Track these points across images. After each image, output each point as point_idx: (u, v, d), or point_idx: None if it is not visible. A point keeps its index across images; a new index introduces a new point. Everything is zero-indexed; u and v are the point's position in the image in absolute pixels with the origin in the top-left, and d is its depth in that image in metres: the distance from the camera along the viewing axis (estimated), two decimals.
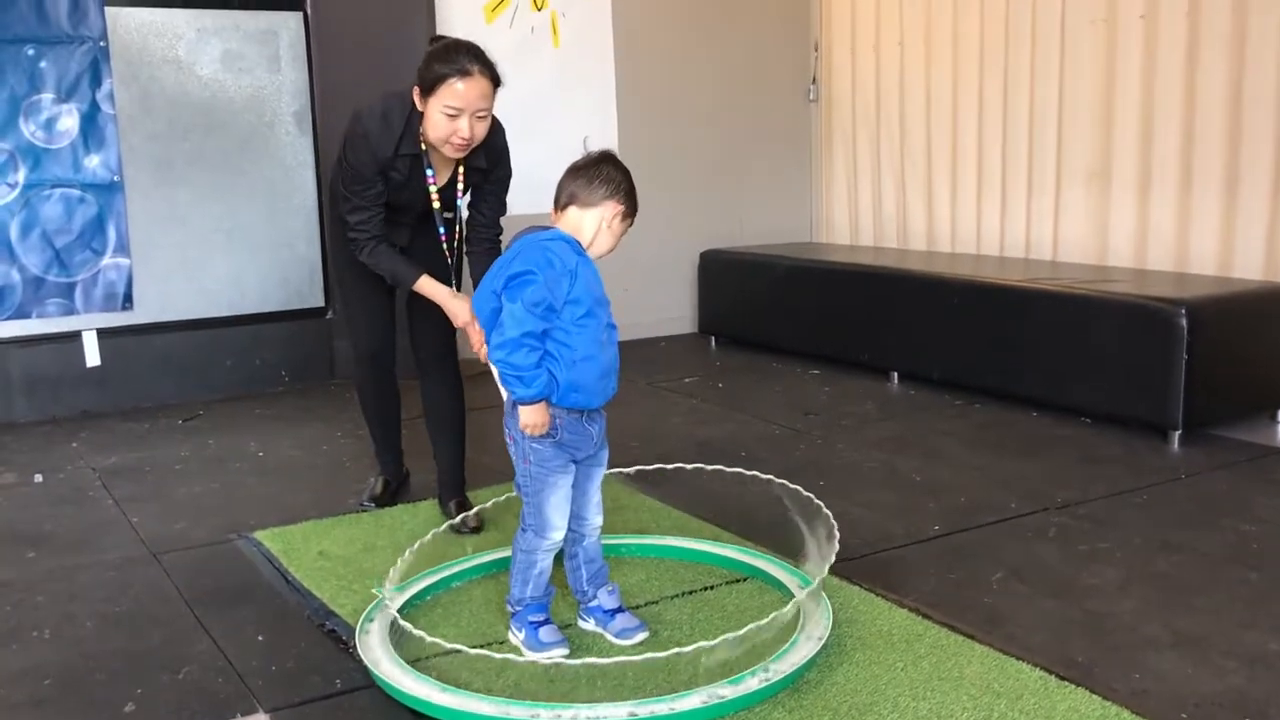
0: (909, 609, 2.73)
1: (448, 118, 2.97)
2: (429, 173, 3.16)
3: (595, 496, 2.64)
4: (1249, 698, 2.31)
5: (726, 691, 2.28)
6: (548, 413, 2.46)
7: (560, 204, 2.51)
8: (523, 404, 2.44)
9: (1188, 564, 3.02)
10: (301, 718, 2.35)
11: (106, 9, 4.90)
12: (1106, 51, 5.16)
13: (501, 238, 3.35)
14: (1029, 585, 2.90)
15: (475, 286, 3.24)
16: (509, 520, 3.38)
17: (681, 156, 6.44)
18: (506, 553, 2.92)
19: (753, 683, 2.31)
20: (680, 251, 6.51)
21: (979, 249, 5.90)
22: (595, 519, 2.64)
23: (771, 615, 2.43)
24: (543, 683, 2.41)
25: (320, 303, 5.56)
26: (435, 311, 3.39)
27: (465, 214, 3.37)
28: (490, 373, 2.61)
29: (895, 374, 5.27)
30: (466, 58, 2.97)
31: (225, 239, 5.32)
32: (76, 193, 4.93)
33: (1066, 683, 2.35)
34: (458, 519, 3.36)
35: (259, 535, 3.39)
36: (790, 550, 2.99)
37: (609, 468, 2.69)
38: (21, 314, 4.91)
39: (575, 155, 2.58)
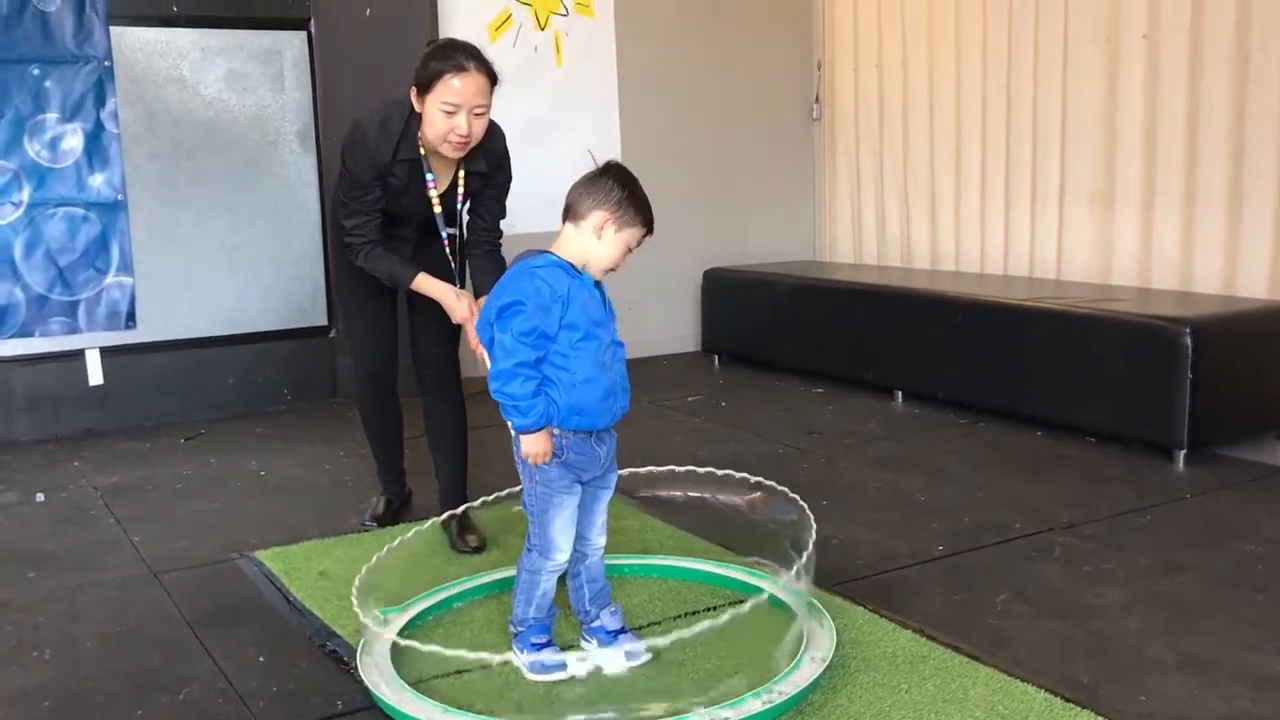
0: (913, 630, 2.71)
1: (445, 115, 2.97)
2: (429, 178, 3.15)
3: (600, 518, 2.62)
4: None
5: (729, 714, 2.27)
6: (549, 442, 2.44)
7: (563, 220, 2.51)
8: (522, 433, 2.43)
9: (1193, 585, 3.01)
10: None
11: (111, 28, 4.92)
12: (1109, 70, 5.16)
13: (501, 241, 3.35)
14: (1034, 606, 2.89)
15: (474, 289, 3.25)
16: (511, 540, 3.38)
17: (685, 175, 6.44)
18: (509, 573, 2.92)
19: (755, 705, 2.29)
20: (683, 270, 6.51)
21: (983, 268, 5.89)
22: (599, 540, 2.63)
23: (750, 602, 2.39)
24: (544, 704, 2.40)
25: (323, 321, 5.56)
26: (438, 330, 3.40)
27: (466, 219, 3.36)
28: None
29: (899, 393, 5.26)
30: (463, 55, 2.98)
31: (228, 258, 5.32)
32: (80, 211, 4.94)
33: (1072, 705, 2.33)
34: (458, 539, 3.36)
35: (260, 555, 3.38)
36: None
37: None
38: (25, 332, 4.91)
39: (578, 173, 2.54)
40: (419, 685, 2.45)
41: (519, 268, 2.45)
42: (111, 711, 2.47)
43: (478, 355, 2.81)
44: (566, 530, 2.53)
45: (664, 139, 6.35)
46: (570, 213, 2.47)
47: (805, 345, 5.76)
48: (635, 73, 6.25)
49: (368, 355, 3.47)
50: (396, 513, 3.68)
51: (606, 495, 2.62)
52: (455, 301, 3.14)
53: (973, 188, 5.92)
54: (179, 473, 4.37)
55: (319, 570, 3.22)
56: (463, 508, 3.28)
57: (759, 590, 2.90)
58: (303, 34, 5.36)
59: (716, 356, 6.40)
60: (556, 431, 2.46)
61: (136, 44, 5.05)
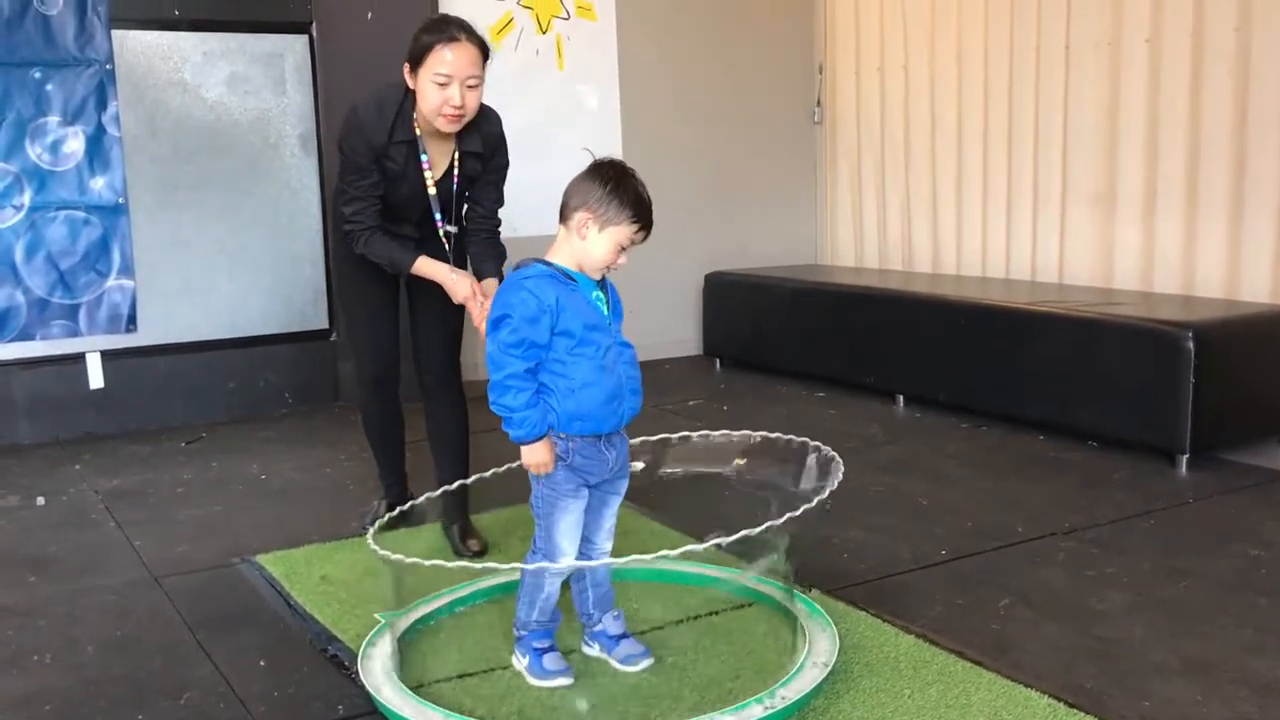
0: (916, 635, 2.71)
1: (438, 86, 2.97)
2: (423, 158, 3.14)
3: (608, 523, 2.61)
4: None
5: None
6: (548, 453, 2.43)
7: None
8: (520, 444, 2.43)
9: (1196, 589, 3.00)
10: None
11: (113, 32, 4.92)
12: (1111, 74, 5.16)
13: (500, 229, 3.34)
14: (1037, 611, 2.88)
15: (476, 275, 3.23)
16: (513, 544, 3.37)
17: (686, 178, 6.44)
18: (510, 577, 2.91)
19: (757, 710, 2.29)
20: (685, 273, 6.51)
21: (984, 271, 5.89)
22: (605, 544, 2.62)
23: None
24: (546, 709, 2.40)
25: (324, 325, 5.55)
26: (440, 333, 3.39)
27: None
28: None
29: (901, 397, 5.26)
30: (454, 27, 2.99)
31: (229, 261, 5.32)
32: (81, 215, 4.93)
33: (1075, 710, 2.32)
34: (460, 543, 3.36)
35: (261, 559, 3.37)
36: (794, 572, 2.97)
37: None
38: (25, 336, 4.90)
39: None
40: (420, 690, 2.44)
41: (510, 279, 2.45)
42: (112, 716, 2.46)
43: (483, 336, 2.84)
44: (571, 534, 2.52)
45: (666, 142, 6.35)
46: (560, 214, 2.46)
47: (807, 349, 5.75)
48: (637, 76, 6.25)
49: (369, 359, 3.46)
50: (399, 517, 3.66)
51: (616, 500, 2.61)
52: (455, 281, 3.12)
53: (974, 191, 5.92)
54: (180, 476, 4.37)
55: (320, 575, 3.22)
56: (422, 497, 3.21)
57: (762, 596, 2.91)
58: (304, 37, 5.36)
59: (718, 360, 6.40)
60: (563, 437, 2.45)
61: (138, 47, 5.05)
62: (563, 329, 2.39)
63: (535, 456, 2.43)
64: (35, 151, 4.82)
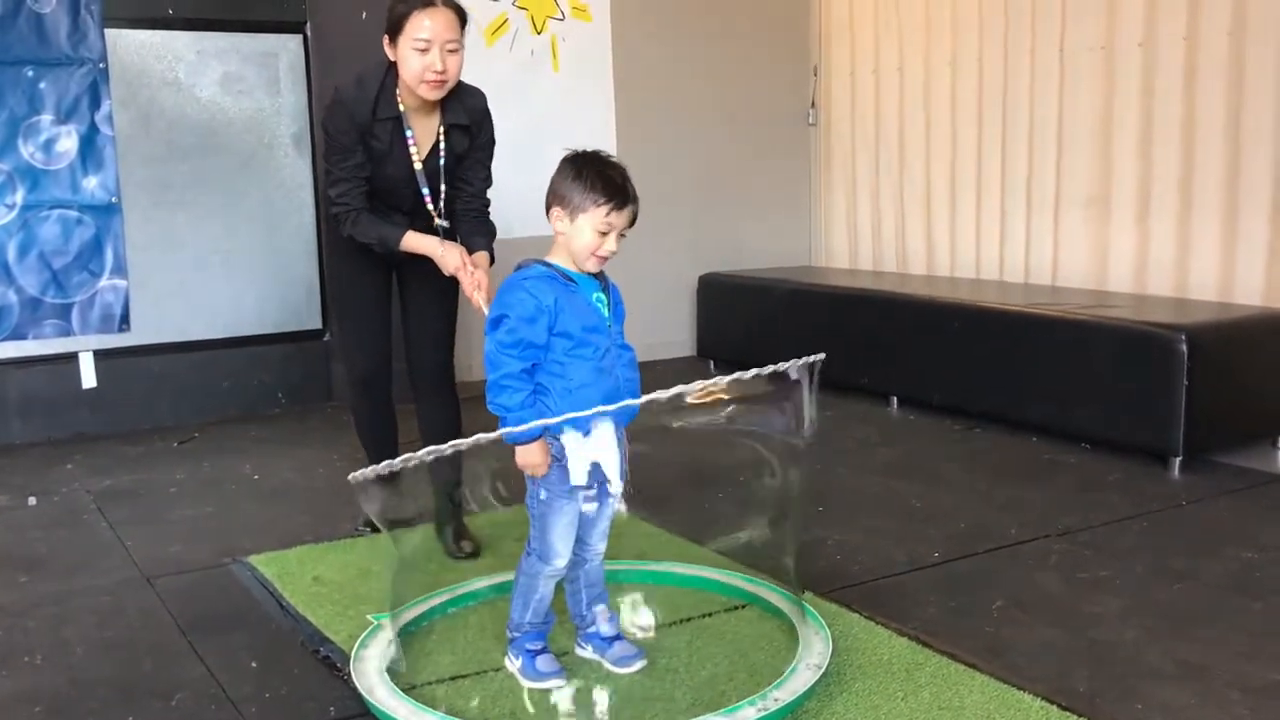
0: (909, 637, 2.70)
1: (419, 53, 2.98)
2: (408, 133, 3.13)
3: (603, 524, 2.60)
4: None
5: None
6: (542, 454, 2.41)
7: None
8: (514, 444, 2.42)
9: (1190, 593, 3.00)
10: None
11: (106, 31, 4.90)
12: (1105, 78, 5.17)
13: (489, 209, 3.33)
14: (1030, 613, 2.88)
15: (467, 250, 3.22)
16: (505, 545, 3.36)
17: (681, 179, 6.43)
18: (503, 578, 2.90)
19: (751, 712, 2.28)
20: (679, 274, 6.50)
21: (978, 273, 5.89)
22: (599, 545, 2.61)
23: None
24: (539, 711, 2.39)
25: (318, 325, 5.54)
26: (433, 334, 3.38)
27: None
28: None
29: (895, 398, 5.26)
30: None
31: (223, 261, 5.31)
32: (74, 214, 4.92)
33: (1069, 713, 2.32)
34: (453, 544, 3.35)
35: (254, 560, 3.36)
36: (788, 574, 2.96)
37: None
38: (18, 335, 4.89)
39: None
40: (412, 691, 2.44)
41: (509, 279, 2.44)
42: (103, 717, 2.45)
43: (475, 305, 2.91)
44: (566, 536, 2.51)
45: (660, 144, 6.34)
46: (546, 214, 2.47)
47: (800, 350, 5.71)
48: (632, 77, 6.24)
49: (362, 358, 3.45)
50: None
51: (612, 502, 2.60)
52: (444, 254, 3.11)
53: (969, 194, 5.92)
54: (172, 476, 4.36)
55: (313, 576, 3.21)
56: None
57: (755, 597, 2.90)
58: (299, 37, 5.35)
59: (712, 361, 6.39)
60: (559, 438, 2.44)
61: (132, 46, 5.03)
62: (561, 330, 2.38)
63: (529, 458, 2.42)
64: (28, 150, 4.80)
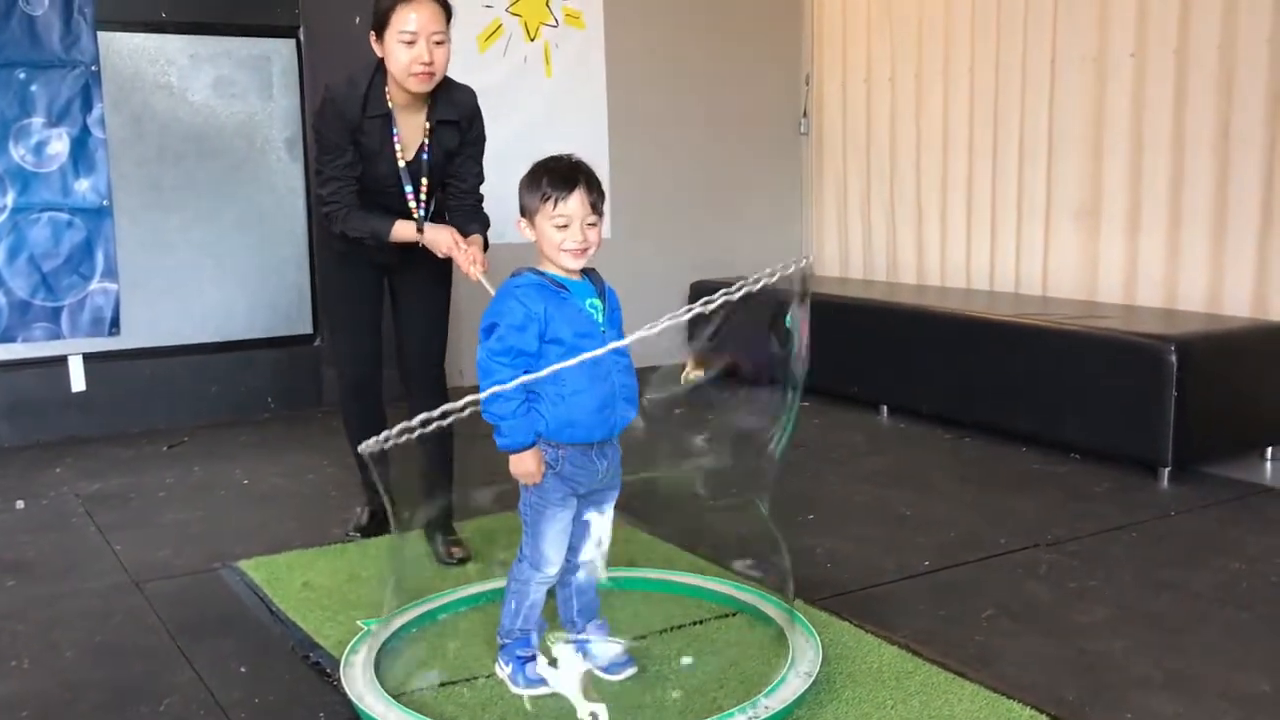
0: (899, 645, 2.71)
1: (405, 45, 3.01)
2: (395, 131, 3.15)
3: (596, 534, 2.60)
4: None
5: None
6: (535, 463, 2.42)
7: None
8: (508, 453, 2.42)
9: (1178, 603, 3.01)
10: None
11: (99, 34, 4.90)
12: (1096, 89, 5.19)
13: (482, 204, 3.33)
14: (1020, 623, 2.89)
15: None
16: (495, 552, 3.36)
17: (673, 187, 6.44)
18: (494, 585, 2.90)
19: None
20: (671, 281, 6.50)
21: (969, 283, 5.91)
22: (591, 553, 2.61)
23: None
24: (529, 717, 2.39)
25: (309, 330, 5.53)
26: (424, 339, 3.38)
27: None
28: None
29: (885, 407, 5.27)
30: None
31: (214, 265, 5.30)
32: (65, 217, 4.91)
33: None
34: (443, 551, 3.34)
35: (243, 565, 3.35)
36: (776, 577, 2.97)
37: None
38: (7, 338, 4.87)
39: None
40: (402, 697, 2.43)
41: (501, 288, 2.45)
42: None
43: (474, 279, 2.97)
44: (558, 543, 2.51)
45: (653, 151, 6.35)
46: None
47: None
48: (624, 85, 6.25)
49: (352, 363, 3.45)
50: (381, 523, 3.65)
51: (606, 511, 2.60)
52: (433, 236, 3.11)
53: (959, 204, 5.94)
54: (162, 481, 4.34)
55: (302, 581, 3.20)
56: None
57: (744, 605, 2.90)
58: (291, 41, 5.35)
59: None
60: (553, 445, 2.44)
61: (124, 49, 5.03)
62: (553, 337, 2.39)
63: (523, 466, 2.42)
64: (19, 153, 4.79)
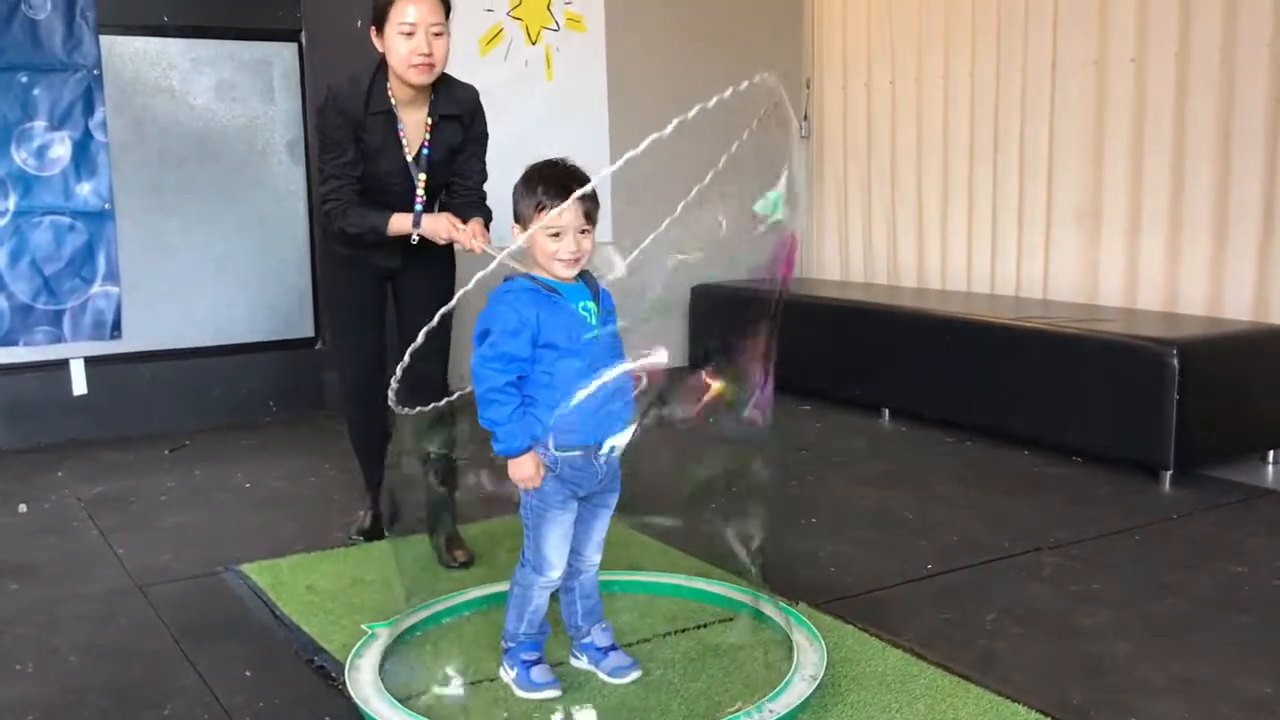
0: (903, 649, 2.71)
1: (405, 36, 3.04)
2: (399, 127, 3.17)
3: (598, 535, 2.60)
4: None
5: None
6: (533, 467, 2.42)
7: None
8: (505, 458, 2.42)
9: (1181, 606, 3.01)
10: None
11: (101, 37, 4.90)
12: (1097, 93, 5.20)
13: (486, 201, 3.34)
14: (1023, 626, 2.89)
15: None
16: (499, 555, 3.36)
17: (674, 189, 6.43)
18: (498, 588, 2.90)
19: None
20: (671, 286, 6.50)
21: (969, 286, 5.91)
22: (594, 556, 2.61)
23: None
24: None
25: (310, 333, 5.54)
26: (426, 344, 3.37)
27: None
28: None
29: (886, 411, 5.27)
30: None
31: (215, 268, 5.30)
32: (67, 220, 4.91)
33: None
34: (446, 554, 3.34)
35: (246, 568, 3.35)
36: (782, 586, 2.97)
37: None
38: (9, 342, 4.87)
39: None
40: (407, 701, 2.43)
41: (495, 293, 2.45)
42: None
43: (477, 251, 3.02)
44: (560, 547, 2.51)
45: (653, 153, 6.33)
46: None
47: (792, 362, 5.74)
48: (625, 89, 6.26)
49: (354, 367, 3.45)
50: (384, 527, 3.65)
51: (606, 514, 2.60)
52: (431, 225, 3.12)
53: (960, 207, 5.95)
54: (163, 484, 4.34)
55: (306, 584, 3.20)
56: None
57: (748, 608, 2.90)
58: (293, 45, 5.35)
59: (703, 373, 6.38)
60: (551, 449, 2.44)
61: (126, 53, 5.03)
62: (546, 341, 2.39)
63: (521, 471, 2.42)
64: (21, 156, 4.80)
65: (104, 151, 4.94)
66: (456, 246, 3.29)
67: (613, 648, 2.61)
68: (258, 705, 2.51)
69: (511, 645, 2.56)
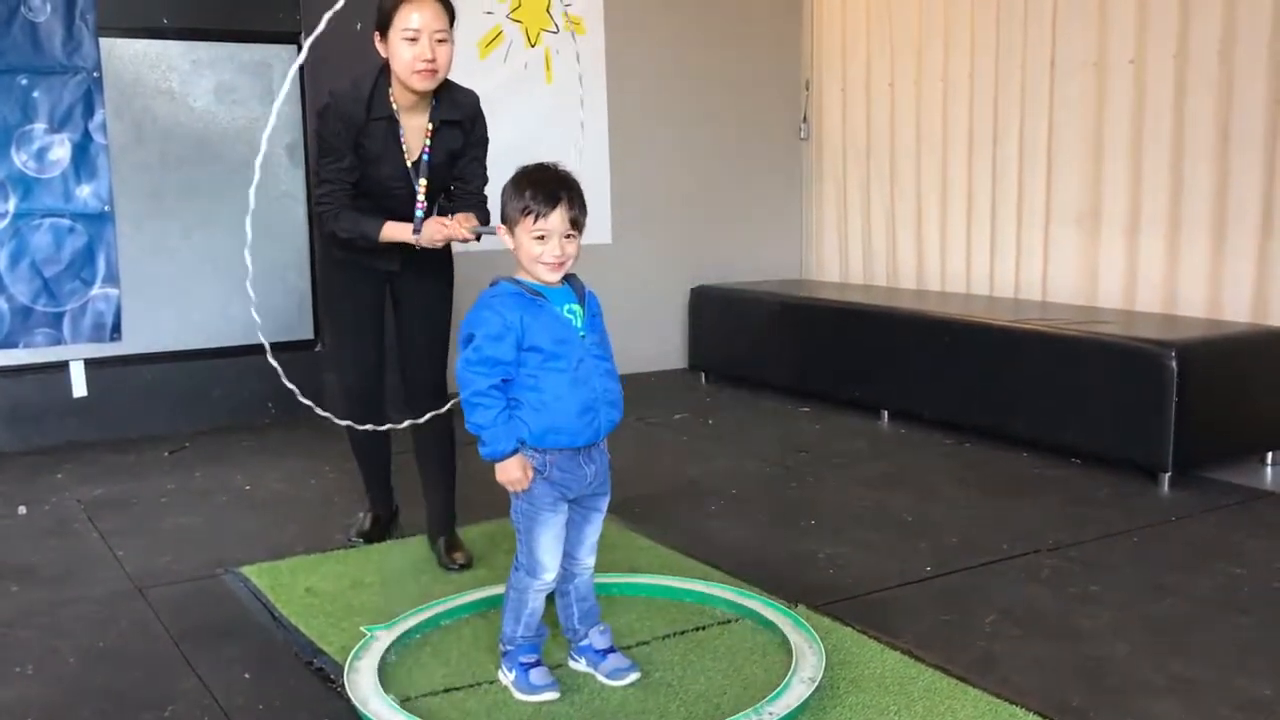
0: (902, 651, 2.71)
1: (408, 43, 3.04)
2: (400, 133, 3.17)
3: (590, 538, 2.60)
4: None
5: None
6: (520, 469, 2.43)
7: None
8: (492, 461, 2.43)
9: (1180, 607, 3.02)
10: None
11: (101, 40, 4.90)
12: (1096, 94, 5.20)
13: (487, 205, 3.34)
14: (1022, 628, 2.89)
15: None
16: (498, 557, 3.36)
17: (674, 192, 6.46)
18: (496, 590, 2.90)
19: None
20: (670, 287, 6.52)
21: (969, 288, 5.92)
22: (588, 559, 2.62)
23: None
24: None
25: (309, 335, 5.54)
26: (427, 347, 3.38)
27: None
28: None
29: (885, 412, 5.27)
30: None
31: (215, 270, 5.30)
32: (66, 222, 4.91)
33: None
34: (445, 557, 3.35)
35: (246, 570, 3.35)
36: (781, 587, 2.97)
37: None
38: (9, 344, 4.87)
39: None
40: (407, 704, 2.44)
41: (480, 298, 2.47)
42: None
43: (469, 236, 3.05)
44: (553, 549, 2.52)
45: (653, 156, 6.37)
46: None
47: (791, 363, 5.77)
48: (624, 91, 6.26)
49: (354, 370, 3.46)
50: (384, 529, 3.66)
51: (598, 517, 2.60)
52: (427, 230, 3.12)
53: (959, 209, 5.95)
54: (163, 486, 4.35)
55: (305, 587, 3.20)
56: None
57: (747, 610, 2.91)
58: (293, 47, 5.34)
59: (703, 373, 6.40)
60: (540, 451, 2.45)
61: (126, 55, 5.04)
62: (530, 344, 2.40)
63: (508, 474, 2.44)
64: (21, 158, 4.80)
65: (104, 154, 4.95)
66: (455, 248, 3.31)
67: (611, 650, 2.61)
68: (257, 707, 2.51)
69: (510, 648, 2.56)
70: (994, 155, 5.72)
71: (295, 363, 5.42)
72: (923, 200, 6.16)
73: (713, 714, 2.39)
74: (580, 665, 2.63)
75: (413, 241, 3.14)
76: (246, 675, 2.68)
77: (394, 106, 3.15)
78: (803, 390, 5.73)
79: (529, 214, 2.40)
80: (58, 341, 4.97)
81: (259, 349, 5.43)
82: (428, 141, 3.20)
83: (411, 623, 2.84)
